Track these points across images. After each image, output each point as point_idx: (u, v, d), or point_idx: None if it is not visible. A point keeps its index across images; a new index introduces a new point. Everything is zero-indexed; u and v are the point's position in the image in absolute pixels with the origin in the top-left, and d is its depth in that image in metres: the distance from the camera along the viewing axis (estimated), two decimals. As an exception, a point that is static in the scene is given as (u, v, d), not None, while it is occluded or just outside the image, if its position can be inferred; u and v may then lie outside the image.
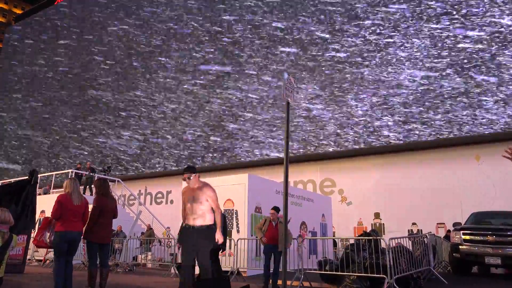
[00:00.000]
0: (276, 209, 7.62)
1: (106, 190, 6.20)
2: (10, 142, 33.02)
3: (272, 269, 7.27)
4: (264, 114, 19.49)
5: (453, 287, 7.67)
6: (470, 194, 14.39)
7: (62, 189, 5.70)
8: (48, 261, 13.21)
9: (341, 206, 17.07)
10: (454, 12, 15.92)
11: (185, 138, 22.07)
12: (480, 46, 15.18)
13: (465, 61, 15.30)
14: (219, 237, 4.97)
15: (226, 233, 7.49)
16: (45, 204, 14.88)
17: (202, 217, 4.94)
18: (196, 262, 4.94)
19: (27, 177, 9.86)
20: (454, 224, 10.71)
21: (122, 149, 24.83)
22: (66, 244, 5.33)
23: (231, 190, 10.32)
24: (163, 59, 24.64)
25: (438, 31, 16.10)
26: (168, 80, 23.94)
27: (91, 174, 15.98)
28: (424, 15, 16.56)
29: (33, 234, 11.79)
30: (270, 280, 7.29)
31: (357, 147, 16.83)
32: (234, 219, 10.25)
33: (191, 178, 5.02)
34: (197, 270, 5.33)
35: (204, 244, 4.88)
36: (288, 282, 7.36)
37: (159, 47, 25.11)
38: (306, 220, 12.38)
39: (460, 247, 9.22)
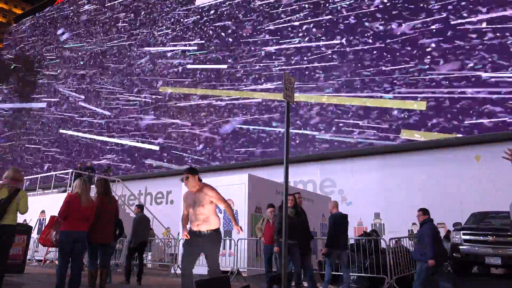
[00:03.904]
0: (273, 206, 7.47)
1: (106, 190, 6.22)
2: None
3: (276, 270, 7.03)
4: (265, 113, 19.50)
5: (453, 287, 7.66)
6: (470, 194, 14.38)
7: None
8: (48, 261, 13.21)
9: (341, 206, 16.98)
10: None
11: (185, 138, 22.08)
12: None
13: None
14: (238, 229, 4.82)
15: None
16: (45, 204, 14.93)
17: (206, 222, 4.68)
18: (195, 265, 4.85)
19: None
20: (454, 224, 10.71)
21: (121, 148, 24.85)
22: (71, 244, 5.37)
23: (231, 190, 10.33)
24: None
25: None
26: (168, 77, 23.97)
27: (91, 174, 15.95)
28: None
29: (33, 235, 11.86)
30: None
31: (357, 147, 16.82)
32: (234, 219, 10.23)
33: (189, 179, 4.73)
34: (200, 271, 5.30)
35: (212, 248, 4.71)
36: (288, 282, 7.34)
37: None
38: (306, 220, 12.36)
39: (460, 247, 9.24)
